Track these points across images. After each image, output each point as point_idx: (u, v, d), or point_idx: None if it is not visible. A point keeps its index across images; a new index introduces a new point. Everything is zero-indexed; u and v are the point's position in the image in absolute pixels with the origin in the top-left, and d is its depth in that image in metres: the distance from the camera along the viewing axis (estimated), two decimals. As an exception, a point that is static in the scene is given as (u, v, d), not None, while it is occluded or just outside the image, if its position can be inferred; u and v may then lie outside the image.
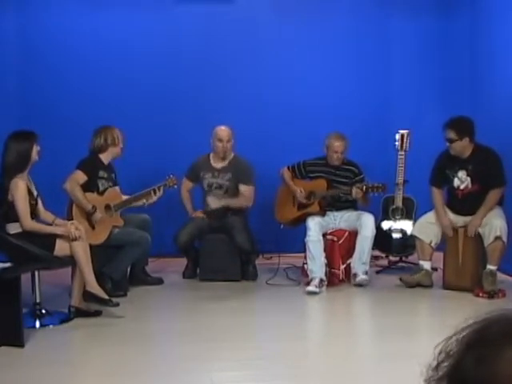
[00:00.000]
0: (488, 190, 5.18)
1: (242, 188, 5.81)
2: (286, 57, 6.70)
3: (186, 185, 5.98)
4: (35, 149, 4.54)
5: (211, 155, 5.89)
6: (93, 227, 5.16)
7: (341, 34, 6.77)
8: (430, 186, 5.48)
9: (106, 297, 4.65)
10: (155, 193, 5.50)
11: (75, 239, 4.49)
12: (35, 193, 4.61)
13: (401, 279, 5.47)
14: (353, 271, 5.56)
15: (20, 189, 4.41)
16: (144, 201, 5.47)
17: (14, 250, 4.38)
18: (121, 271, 5.32)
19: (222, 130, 5.78)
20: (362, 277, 5.46)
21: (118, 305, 4.65)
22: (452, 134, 5.20)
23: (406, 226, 5.98)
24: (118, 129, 5.41)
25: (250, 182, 5.83)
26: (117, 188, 5.48)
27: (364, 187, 5.50)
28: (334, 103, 6.70)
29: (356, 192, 5.47)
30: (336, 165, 5.76)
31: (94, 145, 5.36)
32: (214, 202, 5.74)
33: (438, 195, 5.43)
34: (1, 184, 4.49)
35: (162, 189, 5.56)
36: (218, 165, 5.85)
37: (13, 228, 4.48)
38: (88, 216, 5.17)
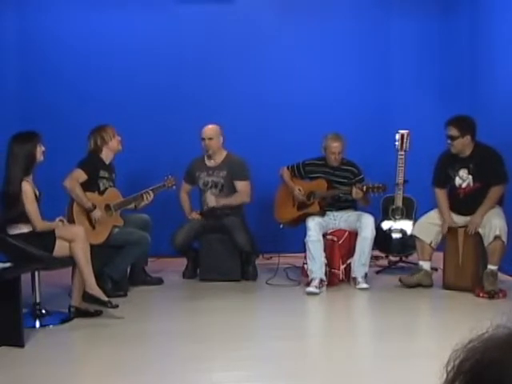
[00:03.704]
0: (489, 188, 5.18)
1: (238, 184, 5.83)
2: (286, 57, 6.71)
3: (185, 188, 6.04)
4: (39, 149, 4.52)
5: (205, 156, 5.93)
6: (93, 227, 5.16)
7: (341, 34, 6.78)
8: (433, 188, 5.44)
9: (106, 298, 4.63)
10: (154, 193, 5.52)
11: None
12: (37, 194, 4.59)
13: (400, 280, 5.47)
14: (353, 274, 5.54)
15: (28, 192, 4.41)
16: (144, 200, 5.49)
17: (14, 250, 4.38)
18: (121, 271, 5.32)
19: (205, 129, 5.83)
20: (362, 285, 5.43)
21: (117, 306, 4.62)
22: (453, 131, 5.19)
23: (406, 225, 5.98)
24: (109, 126, 5.36)
25: (245, 177, 5.85)
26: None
27: (364, 187, 5.49)
28: (333, 103, 6.71)
29: (356, 192, 5.46)
30: (335, 165, 5.76)
31: (89, 148, 5.37)
32: (211, 200, 5.76)
33: (442, 197, 5.38)
34: (7, 188, 4.44)
35: (159, 189, 5.59)
36: (212, 163, 5.88)
37: (13, 229, 4.48)
38: (88, 215, 5.17)
